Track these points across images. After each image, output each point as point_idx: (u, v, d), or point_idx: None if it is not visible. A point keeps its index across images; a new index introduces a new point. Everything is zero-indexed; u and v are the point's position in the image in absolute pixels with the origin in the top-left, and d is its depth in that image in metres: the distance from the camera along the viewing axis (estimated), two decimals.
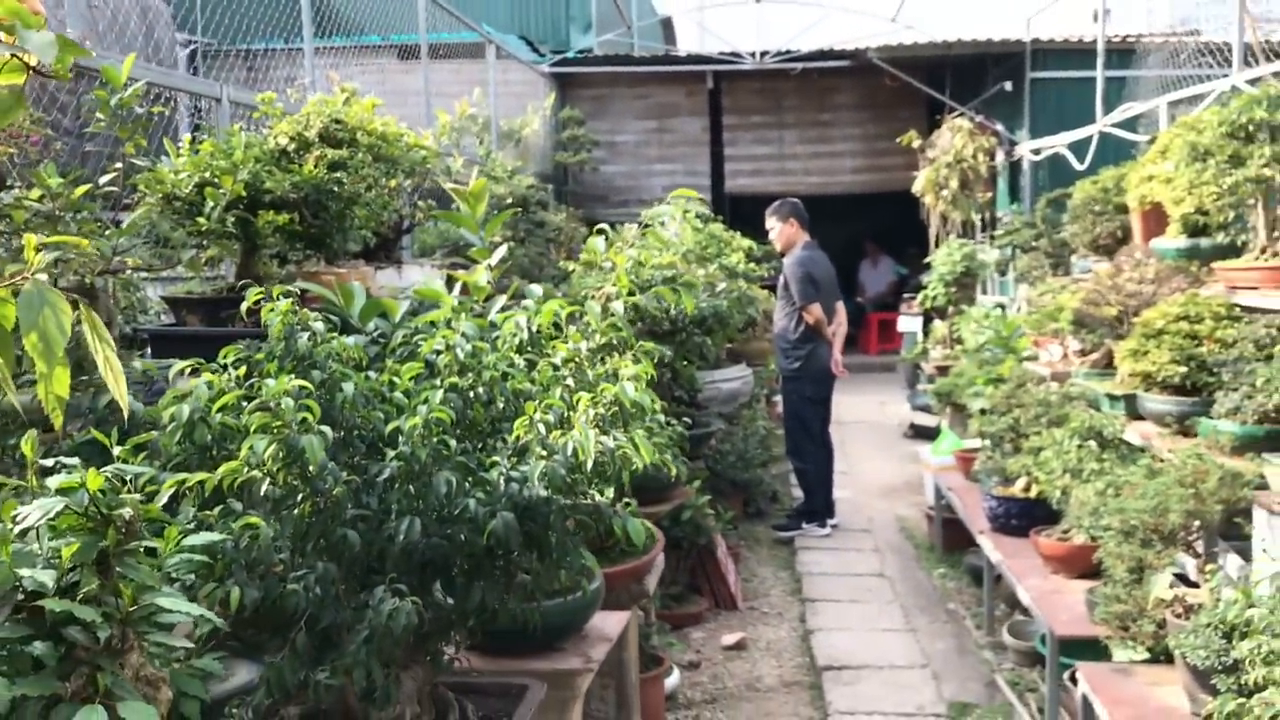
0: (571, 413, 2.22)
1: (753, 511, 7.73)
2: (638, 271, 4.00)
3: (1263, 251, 4.77)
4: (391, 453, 2.14)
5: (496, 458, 2.21)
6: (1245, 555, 3.44)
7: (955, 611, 5.79)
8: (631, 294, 2.55)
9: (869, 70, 12.70)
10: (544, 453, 2.13)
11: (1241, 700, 2.61)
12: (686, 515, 5.59)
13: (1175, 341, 4.27)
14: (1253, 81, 5.70)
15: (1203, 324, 4.31)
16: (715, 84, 13.99)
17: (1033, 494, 4.84)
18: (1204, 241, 5.40)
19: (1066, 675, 4.02)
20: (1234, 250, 5.37)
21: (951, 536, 6.52)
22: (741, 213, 13.68)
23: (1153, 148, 5.87)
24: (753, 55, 12.87)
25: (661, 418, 3.47)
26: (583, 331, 2.39)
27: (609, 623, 3.53)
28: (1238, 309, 4.45)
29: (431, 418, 2.13)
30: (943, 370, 8.75)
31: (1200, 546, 3.69)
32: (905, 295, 13.46)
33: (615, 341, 2.42)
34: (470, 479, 2.18)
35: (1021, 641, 5.02)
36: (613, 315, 2.42)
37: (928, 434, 9.50)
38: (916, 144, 10.85)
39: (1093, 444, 4.32)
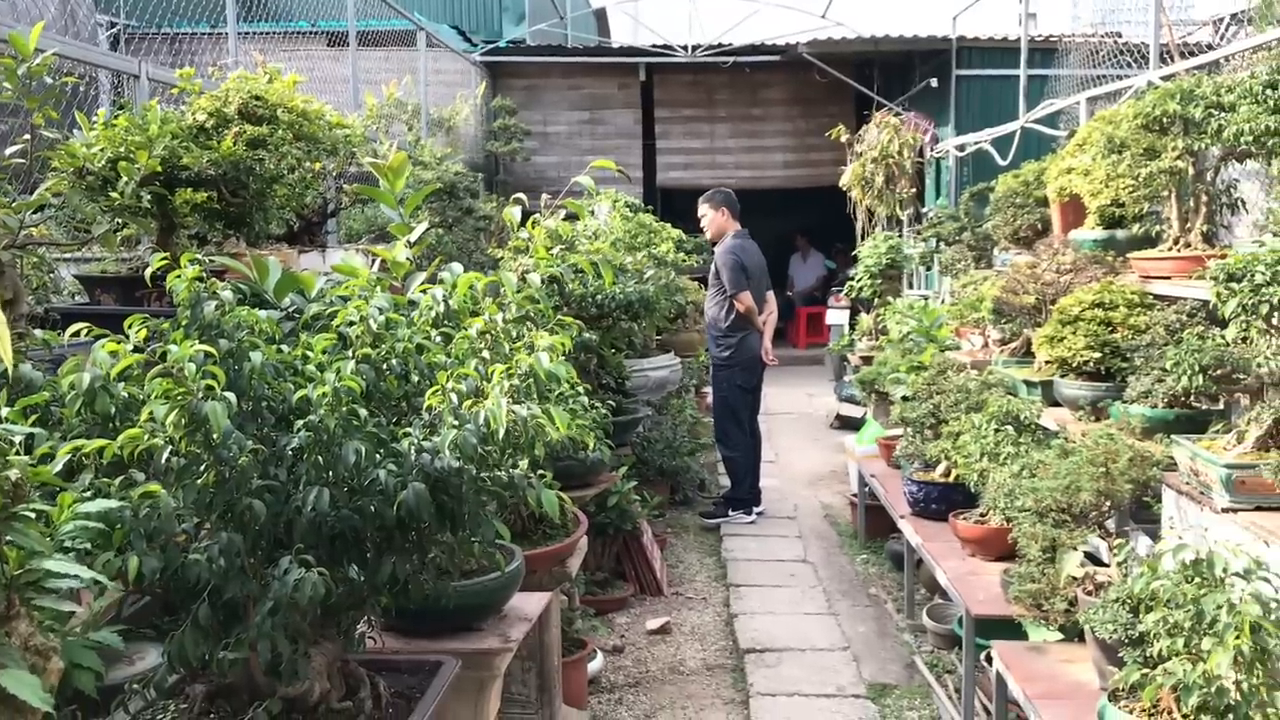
0: (486, 384, 2.20)
1: (680, 499, 7.75)
2: (565, 254, 3.99)
3: (1175, 243, 4.89)
4: (300, 423, 2.10)
5: (409, 429, 2.19)
6: (1155, 537, 3.52)
7: (877, 596, 5.85)
8: (549, 266, 2.53)
9: (799, 66, 12.81)
10: (456, 422, 2.11)
11: (1146, 671, 2.67)
12: (612, 501, 5.59)
13: (1090, 328, 4.36)
14: (1167, 79, 5.83)
15: (1117, 311, 4.40)
16: (648, 76, 14.00)
17: (952, 479, 4.92)
18: (1120, 233, 5.51)
19: (983, 655, 4.09)
20: (1149, 241, 5.49)
21: (874, 523, 6.60)
22: (673, 206, 13.72)
23: (1071, 141, 5.98)
24: (685, 48, 12.91)
25: (585, 400, 3.46)
26: (499, 304, 2.36)
27: (529, 604, 3.51)
28: (1151, 297, 4.55)
29: (341, 387, 2.09)
30: (868, 360, 8.84)
31: (1111, 525, 3.77)
32: (833, 289, 13.60)
33: (533, 314, 2.40)
34: (381, 450, 2.15)
35: (940, 624, 5.09)
36: (529, 287, 2.39)
37: (853, 424, 9.61)
38: (845, 139, 10.94)
39: (1010, 429, 4.39)
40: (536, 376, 2.17)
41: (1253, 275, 3.01)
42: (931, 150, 11.37)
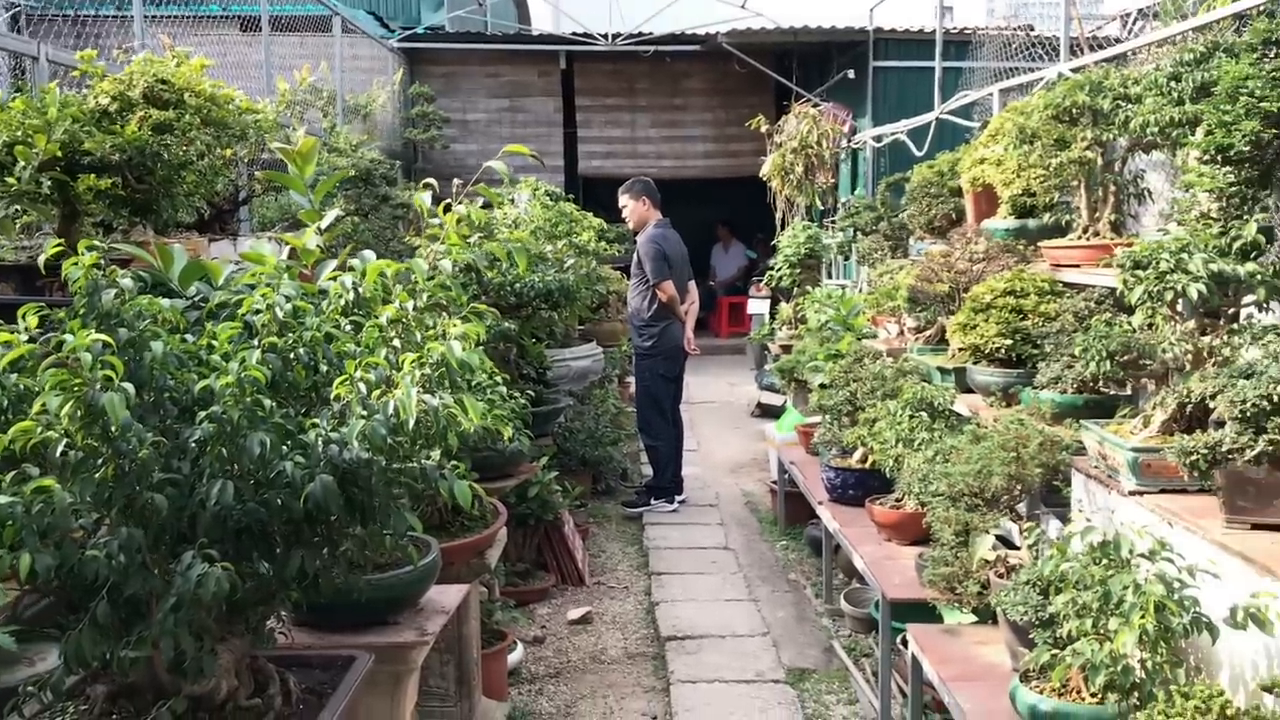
0: (397, 373, 2.15)
1: (603, 489, 7.75)
2: (483, 242, 3.94)
3: (1085, 231, 4.99)
4: (203, 414, 2.04)
5: (317, 420, 2.14)
6: (1066, 520, 3.59)
7: (796, 581, 5.91)
8: (462, 253, 2.49)
9: (719, 56, 12.85)
10: (364, 413, 2.06)
11: (1055, 651, 2.73)
12: (533, 492, 5.56)
13: (1002, 316, 4.43)
14: (1077, 71, 5.95)
15: (1028, 299, 4.48)
16: (568, 65, 13.94)
17: (868, 465, 4.97)
18: (1031, 222, 5.61)
19: (899, 639, 4.15)
20: (1059, 230, 5.60)
21: (794, 510, 6.66)
22: (595, 195, 13.68)
23: (984, 132, 6.08)
24: (605, 37, 12.86)
25: (504, 390, 3.42)
26: (410, 291, 2.32)
27: (447, 596, 3.47)
28: (1061, 285, 4.64)
29: (245, 377, 2.04)
30: (788, 349, 8.91)
31: (1023, 509, 3.84)
32: (754, 278, 13.69)
33: (445, 302, 2.36)
34: (288, 441, 2.09)
35: (858, 609, 5.16)
36: (440, 274, 2.36)
37: (774, 412, 9.68)
38: (765, 129, 11.00)
39: (924, 415, 4.45)
40: (449, 365, 2.14)
41: (1157, 263, 3.08)
42: (850, 141, 11.49)
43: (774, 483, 7.12)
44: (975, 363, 4.68)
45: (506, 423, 2.87)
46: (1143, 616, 2.47)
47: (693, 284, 7.58)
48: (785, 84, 12.95)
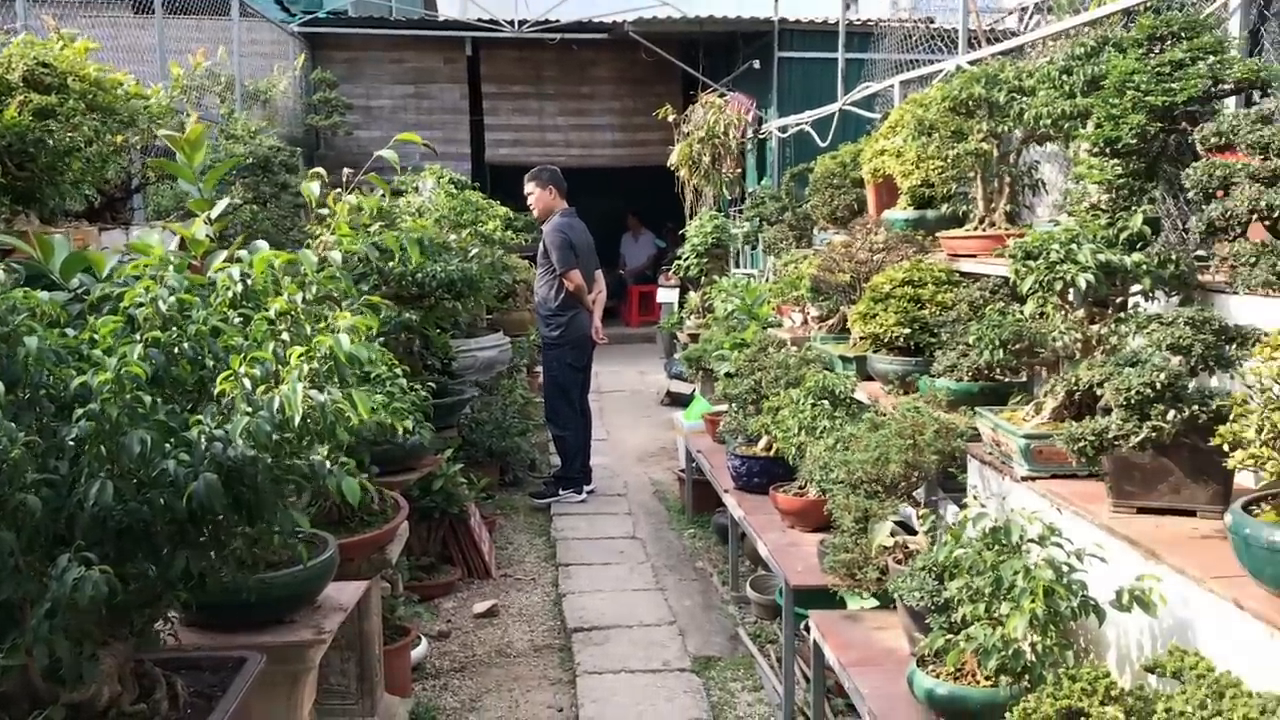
0: (284, 368, 2.10)
1: (510, 480, 7.70)
2: (383, 231, 3.88)
3: (981, 222, 5.09)
4: (80, 411, 1.97)
5: (201, 416, 2.07)
6: (962, 505, 3.65)
7: (703, 569, 5.94)
8: (352, 243, 2.44)
9: (627, 45, 12.83)
10: (249, 409, 2.01)
11: (950, 636, 2.78)
12: (437, 485, 5.50)
13: (901, 305, 4.50)
14: (974, 64, 6.05)
15: (925, 289, 4.55)
16: (474, 51, 13.80)
17: (773, 453, 5.02)
18: (930, 213, 5.70)
19: (802, 625, 4.19)
20: (956, 221, 5.69)
21: (701, 498, 6.70)
22: (502, 183, 13.55)
23: (885, 124, 6.16)
24: (512, 24, 12.75)
25: (403, 382, 3.37)
26: (300, 283, 2.26)
27: (345, 593, 3.41)
28: (958, 275, 4.72)
29: (125, 373, 1.97)
30: (695, 338, 8.96)
31: (921, 495, 3.90)
32: (664, 267, 13.72)
33: (337, 294, 2.31)
34: (171, 439, 2.03)
35: (763, 595, 5.20)
36: (329, 265, 2.30)
37: (683, 401, 9.73)
38: (672, 118, 11.02)
39: (826, 403, 4.50)
40: (337, 359, 2.09)
41: (1047, 253, 3.15)
42: (756, 131, 11.56)
43: (682, 471, 7.15)
44: (875, 351, 4.74)
45: (405, 416, 2.82)
46: (1032, 601, 2.53)
47: (599, 273, 7.57)
48: (692, 74, 12.99)
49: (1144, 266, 3.06)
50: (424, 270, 4.85)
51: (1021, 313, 3.48)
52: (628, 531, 6.62)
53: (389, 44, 13.70)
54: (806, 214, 8.21)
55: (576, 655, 4.82)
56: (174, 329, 2.19)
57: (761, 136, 11.39)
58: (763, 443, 5.15)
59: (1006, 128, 4.74)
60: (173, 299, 2.19)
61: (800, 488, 4.60)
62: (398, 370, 3.30)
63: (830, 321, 5.91)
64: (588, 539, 6.48)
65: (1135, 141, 3.40)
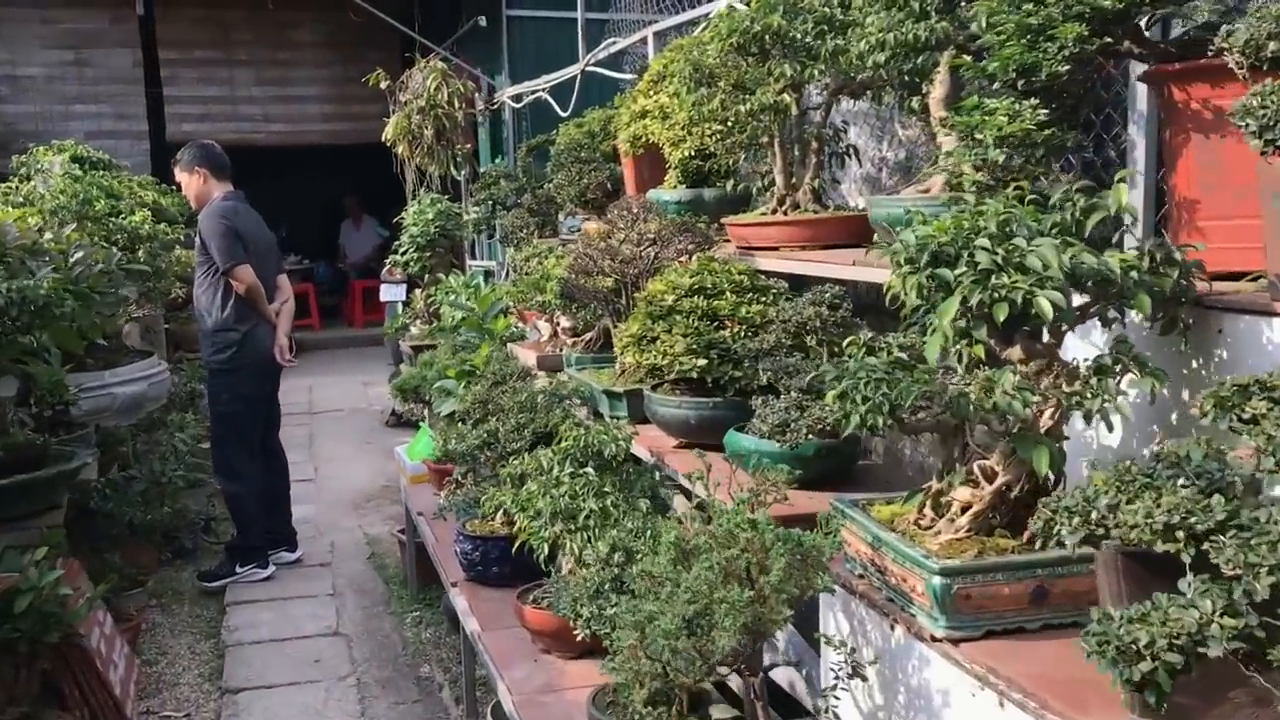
0: None
1: (176, 550, 5.89)
2: None
3: (781, 203, 3.80)
4: None
5: None
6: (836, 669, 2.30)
7: (430, 680, 4.41)
8: None
9: (332, 4, 11.01)
10: None
11: None
12: (22, 604, 3.71)
13: (690, 324, 3.13)
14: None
15: (723, 299, 3.20)
16: (148, 9, 11.60)
17: (520, 528, 3.54)
18: (707, 191, 4.43)
19: None
20: (743, 201, 4.45)
21: (429, 566, 5.12)
22: None
23: (645, 77, 4.79)
24: None
25: None
26: None
27: None
28: (762, 277, 3.40)
29: None
30: (421, 350, 7.36)
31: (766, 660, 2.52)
32: (388, 260, 11.97)
33: None
34: None
35: None
36: None
37: (415, 422, 8.10)
38: (385, 85, 9.34)
39: (591, 471, 3.06)
40: None
41: (969, 255, 1.82)
42: (488, 103, 10.06)
43: (402, 531, 5.56)
44: (656, 387, 3.37)
45: None
46: None
47: (284, 279, 5.83)
48: (411, 35, 11.29)
49: (1134, 275, 1.78)
50: None
51: (895, 347, 2.14)
52: (329, 625, 4.97)
53: (38, 1, 11.32)
54: (550, 196, 6.77)
55: None
56: None
57: (493, 107, 9.90)
58: (502, 515, 3.67)
59: (814, 74, 3.47)
60: None
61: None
62: None
63: (588, 336, 4.52)
64: (272, 640, 4.80)
65: (1066, 71, 2.14)
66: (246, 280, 5.37)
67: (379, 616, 5.05)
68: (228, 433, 5.51)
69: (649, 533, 2.61)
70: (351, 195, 14.80)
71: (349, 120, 12.49)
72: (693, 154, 4.41)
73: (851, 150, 3.99)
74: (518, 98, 9.08)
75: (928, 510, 2.09)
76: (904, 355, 2.11)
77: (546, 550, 2.99)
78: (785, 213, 3.76)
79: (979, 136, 2.29)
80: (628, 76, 6.38)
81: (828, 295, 2.80)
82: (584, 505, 2.96)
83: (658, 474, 3.28)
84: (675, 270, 3.36)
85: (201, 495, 5.96)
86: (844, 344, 2.30)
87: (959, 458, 2.10)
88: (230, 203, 5.48)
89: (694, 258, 3.41)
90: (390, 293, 10.33)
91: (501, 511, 3.64)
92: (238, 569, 5.44)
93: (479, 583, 3.73)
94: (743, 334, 3.11)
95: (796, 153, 3.88)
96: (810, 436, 2.49)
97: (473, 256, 10.23)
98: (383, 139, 9.42)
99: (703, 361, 3.06)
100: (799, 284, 3.57)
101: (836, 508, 2.20)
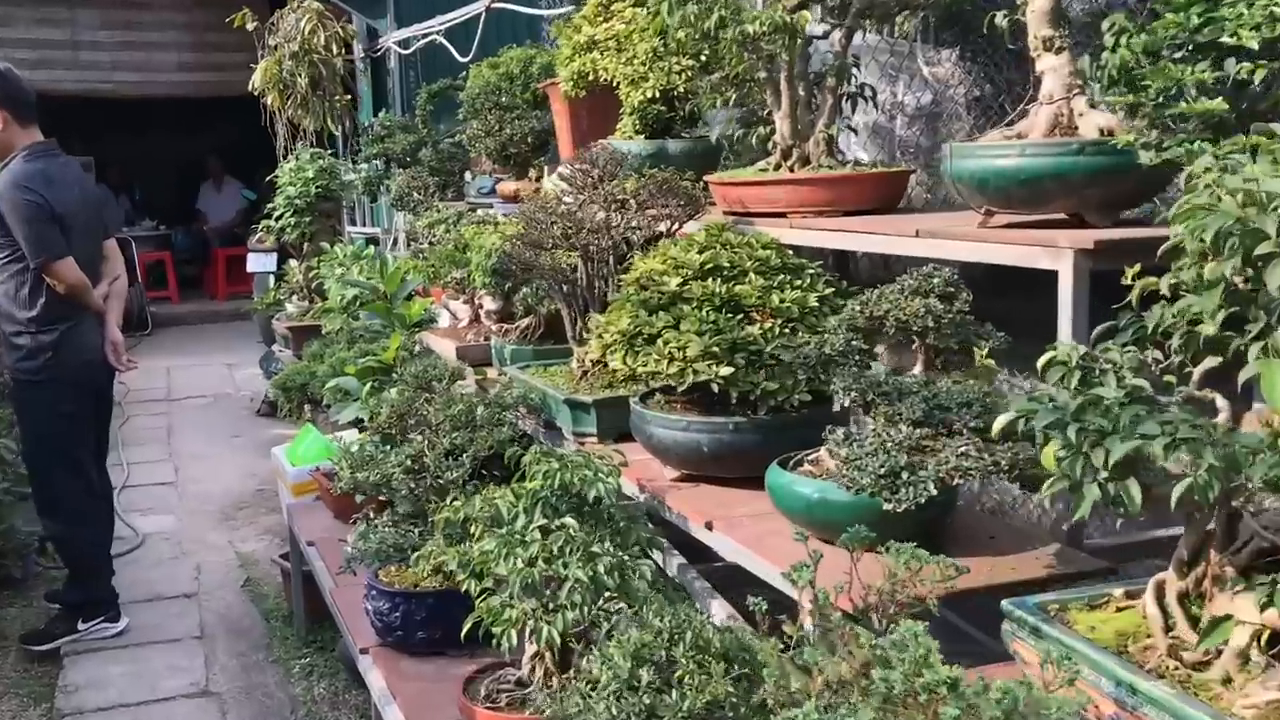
0: None
1: (1, 580, 4.79)
2: None
3: (786, 156, 2.99)
4: None
5: None
6: None
7: None
8: None
9: None
10: None
11: None
12: None
13: (707, 317, 2.28)
14: None
15: (747, 283, 2.35)
16: None
17: (454, 581, 2.65)
18: (673, 143, 3.62)
19: None
20: (715, 153, 3.69)
21: (318, 598, 4.16)
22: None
23: (590, 3, 3.89)
24: None
25: None
26: None
27: None
28: (790, 253, 2.56)
29: None
30: (302, 333, 6.33)
31: None
32: (255, 226, 10.76)
33: None
34: None
35: None
36: None
37: (291, 411, 7.04)
38: (252, 27, 8.21)
39: (572, 523, 2.20)
40: None
41: None
42: (369, 50, 9.00)
43: (284, 557, 4.57)
44: (645, 398, 2.52)
45: None
46: None
47: (115, 254, 4.50)
48: None
49: None
50: None
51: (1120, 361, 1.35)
52: (196, 679, 3.96)
53: None
54: (454, 152, 5.84)
55: None
56: None
57: (376, 53, 8.84)
58: (431, 563, 2.78)
59: None
60: None
61: (523, 681, 2.29)
62: None
63: (525, 324, 3.63)
64: (123, 706, 3.77)
65: None
66: (68, 278, 4.05)
67: (259, 667, 4.08)
68: (49, 458, 4.25)
69: (690, 633, 1.76)
70: (213, 153, 13.45)
71: (209, 70, 11.32)
72: (656, 96, 3.56)
73: (867, 91, 3.20)
74: (405, 43, 8.06)
75: (1179, 625, 1.31)
76: (1142, 384, 1.33)
77: (515, 635, 2.12)
78: (792, 169, 2.96)
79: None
80: (553, 12, 5.45)
81: (936, 281, 1.97)
82: (566, 573, 2.10)
83: (646, 520, 2.44)
84: (678, 244, 2.50)
85: (32, 512, 4.83)
86: (980, 353, 1.50)
87: (1224, 540, 1.33)
88: (37, 164, 4.08)
89: (704, 230, 2.56)
90: (259, 262, 9.18)
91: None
92: (80, 626, 4.29)
93: (399, 649, 2.84)
94: (777, 331, 2.27)
95: (802, 93, 3.08)
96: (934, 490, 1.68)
97: (352, 222, 9.18)
98: (249, 88, 8.29)
99: (727, 370, 2.22)
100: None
101: (1020, 619, 1.39)
